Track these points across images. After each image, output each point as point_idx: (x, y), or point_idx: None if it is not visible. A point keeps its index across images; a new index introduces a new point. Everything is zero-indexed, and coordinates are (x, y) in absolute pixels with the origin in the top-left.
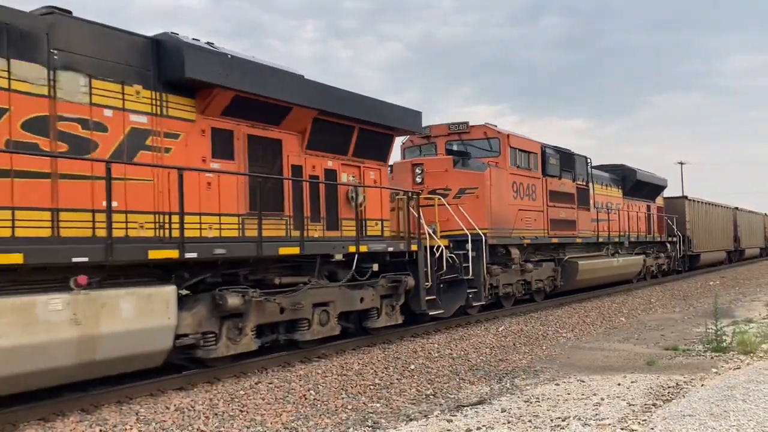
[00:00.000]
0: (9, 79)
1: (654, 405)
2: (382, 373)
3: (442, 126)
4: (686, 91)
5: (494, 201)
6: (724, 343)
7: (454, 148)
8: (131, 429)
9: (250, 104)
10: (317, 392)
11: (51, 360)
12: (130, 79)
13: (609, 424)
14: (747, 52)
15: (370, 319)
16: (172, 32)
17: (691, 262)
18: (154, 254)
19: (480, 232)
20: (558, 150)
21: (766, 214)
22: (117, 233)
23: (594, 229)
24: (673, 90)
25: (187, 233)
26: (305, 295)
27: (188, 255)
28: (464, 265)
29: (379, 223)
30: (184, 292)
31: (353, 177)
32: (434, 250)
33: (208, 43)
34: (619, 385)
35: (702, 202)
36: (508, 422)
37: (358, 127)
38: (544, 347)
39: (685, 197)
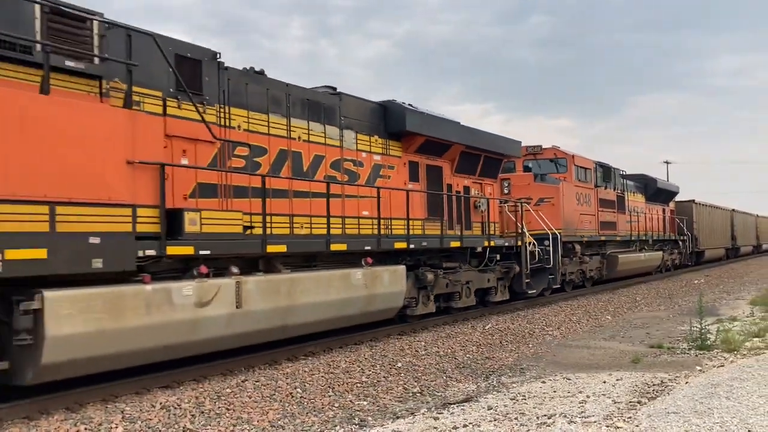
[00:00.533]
0: (325, 136)
1: (639, 402)
2: (369, 371)
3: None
4: (673, 91)
5: (565, 208)
6: (709, 341)
7: (529, 165)
8: (116, 427)
9: (431, 144)
10: (304, 390)
11: (354, 307)
12: (373, 132)
13: (594, 422)
14: (735, 52)
15: (490, 295)
16: (393, 100)
17: (697, 258)
18: (397, 245)
19: (555, 231)
20: (602, 165)
21: (757, 215)
22: (364, 231)
23: (628, 230)
24: (660, 90)
25: (395, 232)
26: (460, 275)
27: (411, 246)
28: (545, 256)
29: (495, 225)
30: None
31: (476, 191)
32: (526, 245)
33: (409, 104)
34: (604, 382)
35: (706, 205)
36: (495, 420)
37: (483, 156)
38: (530, 345)
39: (693, 201)
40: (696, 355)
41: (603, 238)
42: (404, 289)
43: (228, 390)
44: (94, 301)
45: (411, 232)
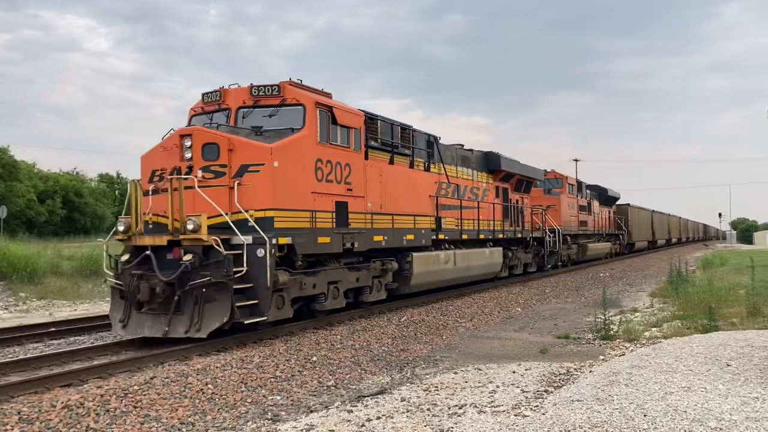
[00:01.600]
0: (466, 175)
1: (546, 391)
2: (284, 365)
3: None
4: (581, 91)
5: (563, 212)
6: (612, 332)
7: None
8: (12, 429)
9: (506, 175)
10: (216, 386)
11: (485, 268)
12: (482, 170)
13: (503, 411)
14: (638, 55)
15: (527, 269)
16: (492, 150)
17: (630, 248)
18: (499, 236)
19: (558, 228)
20: (578, 181)
21: (670, 214)
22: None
23: (592, 227)
24: (569, 89)
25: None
26: (518, 254)
27: (504, 236)
28: (554, 246)
29: (529, 223)
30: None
31: (521, 203)
32: (548, 236)
33: (496, 152)
34: (514, 372)
35: (636, 207)
36: (407, 411)
37: (526, 181)
38: (444, 337)
39: (629, 204)
40: (600, 345)
41: (580, 232)
42: (501, 261)
43: (135, 387)
44: (423, 257)
45: (493, 228)
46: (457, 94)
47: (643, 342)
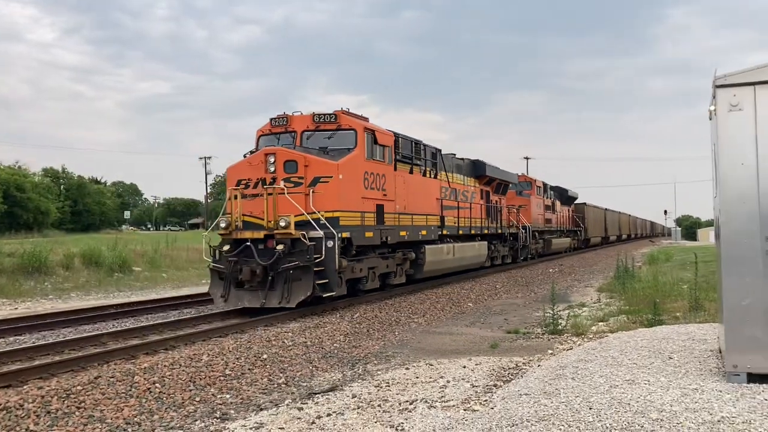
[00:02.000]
0: (459, 180)
1: (495, 386)
2: (233, 363)
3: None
4: (534, 90)
5: (533, 211)
6: (560, 326)
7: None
8: None
9: (488, 180)
10: (163, 385)
11: (474, 258)
12: (470, 175)
13: (453, 406)
14: (587, 56)
15: (504, 260)
16: (479, 159)
17: (586, 243)
18: (485, 231)
19: (528, 225)
20: (544, 183)
21: (620, 211)
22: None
23: (555, 224)
24: (522, 88)
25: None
26: (498, 248)
27: (487, 232)
28: (525, 237)
29: (506, 221)
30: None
31: (499, 203)
32: (521, 232)
33: (482, 160)
34: (464, 367)
35: (591, 206)
36: (358, 408)
37: (503, 184)
38: (396, 333)
39: (585, 203)
40: (548, 340)
41: (546, 229)
42: (485, 253)
43: (79, 387)
44: (433, 249)
45: (480, 225)
46: (414, 92)
47: (590, 336)
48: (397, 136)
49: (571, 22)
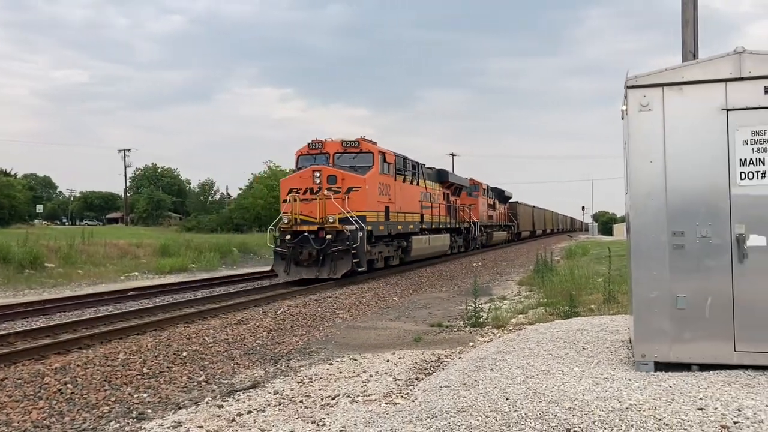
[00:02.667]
0: (432, 185)
1: (417, 379)
2: (152, 361)
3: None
4: (457, 88)
5: (480, 209)
6: (481, 319)
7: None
8: None
9: (449, 184)
10: (75, 386)
11: (441, 247)
12: (436, 181)
13: (375, 400)
14: (510, 55)
15: (460, 249)
16: (443, 168)
17: (518, 237)
18: (448, 226)
19: (477, 221)
20: (488, 185)
21: (545, 208)
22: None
23: (496, 220)
24: (446, 85)
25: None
26: (456, 239)
27: (449, 227)
28: (475, 233)
29: (461, 218)
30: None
31: (457, 203)
32: (472, 226)
33: (445, 169)
34: (387, 361)
35: (522, 204)
36: (280, 404)
37: (459, 187)
38: (321, 328)
39: (517, 202)
40: (470, 332)
41: (488, 224)
42: (448, 243)
43: None
44: (417, 239)
45: (445, 221)
46: (340, 86)
47: (510, 328)
48: (396, 155)
49: (494, 22)
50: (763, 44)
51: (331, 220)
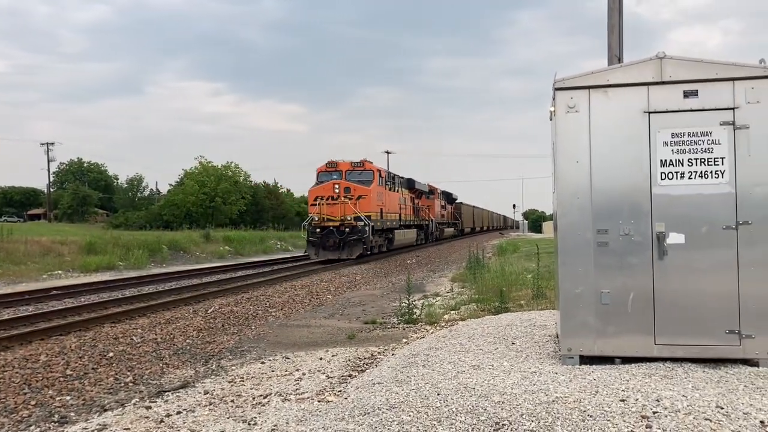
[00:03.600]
0: (405, 192)
1: (350, 376)
2: (76, 363)
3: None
4: (392, 86)
5: (436, 210)
6: (415, 316)
7: (425, 191)
8: None
9: (415, 190)
10: None
11: (411, 239)
12: (406, 188)
13: (308, 398)
14: (443, 55)
15: (422, 241)
16: (411, 177)
17: (462, 232)
18: (416, 223)
19: (433, 219)
20: (442, 190)
21: (483, 208)
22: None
23: (446, 218)
24: (381, 83)
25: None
26: (421, 233)
27: (416, 224)
28: (433, 229)
29: (423, 216)
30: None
31: (418, 204)
32: (430, 224)
33: (413, 178)
34: (321, 359)
35: (465, 204)
36: (210, 404)
37: (423, 193)
38: (253, 327)
39: (462, 203)
40: (404, 329)
41: (441, 221)
42: (416, 237)
43: None
44: (397, 233)
45: (413, 220)
46: (273, 81)
47: (443, 324)
48: (387, 171)
49: (428, 21)
50: (682, 49)
51: (348, 219)
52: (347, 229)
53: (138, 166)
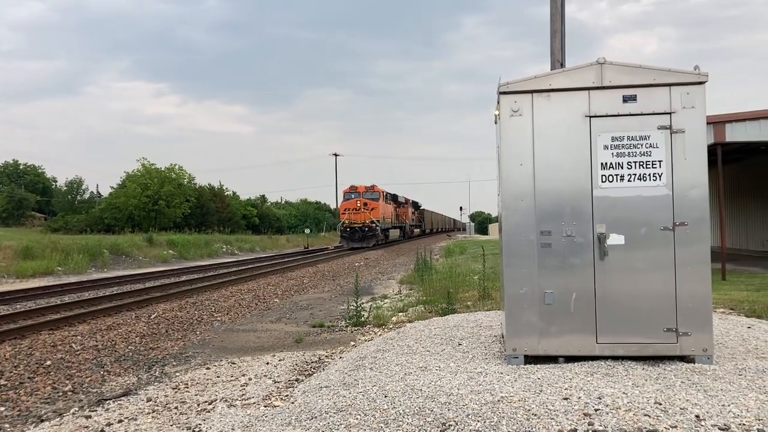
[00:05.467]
0: (395, 204)
1: (297, 380)
2: (10, 372)
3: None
4: (338, 88)
5: (408, 215)
6: (363, 318)
7: (402, 201)
8: None
9: (396, 201)
10: None
11: (397, 235)
12: (392, 200)
13: (254, 403)
14: (391, 57)
15: (401, 237)
16: (396, 194)
17: (424, 233)
18: (399, 225)
19: (407, 222)
20: (411, 200)
21: (440, 212)
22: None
23: (414, 221)
24: (327, 85)
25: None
26: (403, 230)
27: (401, 226)
28: (406, 228)
29: (402, 220)
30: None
31: (398, 211)
32: (406, 226)
33: (395, 194)
34: (267, 364)
35: (427, 210)
36: (154, 411)
37: (401, 203)
38: (198, 332)
39: (424, 209)
40: (352, 332)
41: (411, 224)
42: (399, 234)
43: None
44: (392, 231)
45: (397, 222)
46: (217, 82)
47: (391, 327)
48: (385, 191)
49: (376, 25)
50: (622, 55)
51: (366, 222)
52: (366, 229)
53: (78, 169)
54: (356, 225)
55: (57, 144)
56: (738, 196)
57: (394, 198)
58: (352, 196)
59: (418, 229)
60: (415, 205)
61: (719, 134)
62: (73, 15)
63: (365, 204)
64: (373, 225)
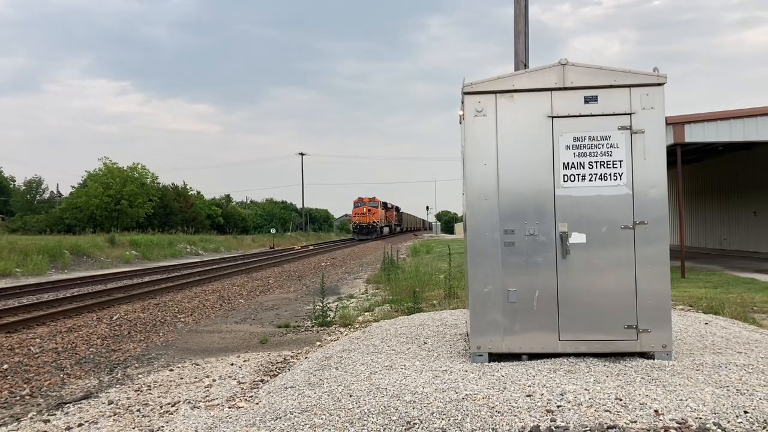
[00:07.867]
0: (386, 209)
1: (262, 381)
2: None
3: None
4: (304, 87)
5: (393, 217)
6: (329, 318)
7: (389, 205)
8: None
9: (387, 207)
10: None
11: (385, 233)
12: (383, 208)
13: (218, 404)
14: (356, 57)
15: (389, 234)
16: (386, 202)
17: (401, 231)
18: (389, 225)
19: (393, 222)
20: (395, 205)
21: (413, 214)
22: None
23: (396, 222)
24: (292, 84)
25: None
26: (390, 229)
27: (392, 226)
28: (392, 229)
29: (391, 221)
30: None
31: (387, 213)
32: (391, 225)
33: (385, 201)
34: (232, 365)
35: (403, 212)
36: (115, 414)
37: (388, 208)
38: (161, 334)
39: (402, 212)
40: (318, 332)
41: (393, 224)
42: (389, 231)
43: None
44: (385, 228)
45: (387, 223)
46: (181, 80)
47: (357, 326)
48: (382, 201)
49: (341, 24)
50: (585, 57)
51: (371, 222)
52: (370, 227)
53: (37, 168)
54: (363, 224)
55: (15, 142)
56: (697, 195)
57: (384, 205)
58: (360, 204)
59: (399, 228)
60: (397, 209)
61: (679, 135)
62: (32, 11)
63: (369, 210)
64: (374, 224)
